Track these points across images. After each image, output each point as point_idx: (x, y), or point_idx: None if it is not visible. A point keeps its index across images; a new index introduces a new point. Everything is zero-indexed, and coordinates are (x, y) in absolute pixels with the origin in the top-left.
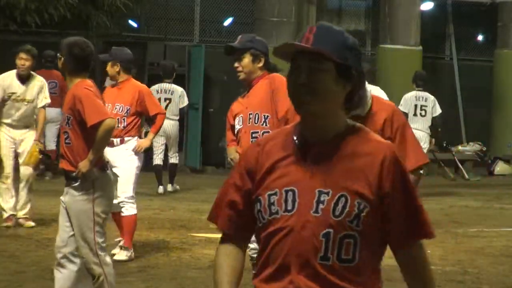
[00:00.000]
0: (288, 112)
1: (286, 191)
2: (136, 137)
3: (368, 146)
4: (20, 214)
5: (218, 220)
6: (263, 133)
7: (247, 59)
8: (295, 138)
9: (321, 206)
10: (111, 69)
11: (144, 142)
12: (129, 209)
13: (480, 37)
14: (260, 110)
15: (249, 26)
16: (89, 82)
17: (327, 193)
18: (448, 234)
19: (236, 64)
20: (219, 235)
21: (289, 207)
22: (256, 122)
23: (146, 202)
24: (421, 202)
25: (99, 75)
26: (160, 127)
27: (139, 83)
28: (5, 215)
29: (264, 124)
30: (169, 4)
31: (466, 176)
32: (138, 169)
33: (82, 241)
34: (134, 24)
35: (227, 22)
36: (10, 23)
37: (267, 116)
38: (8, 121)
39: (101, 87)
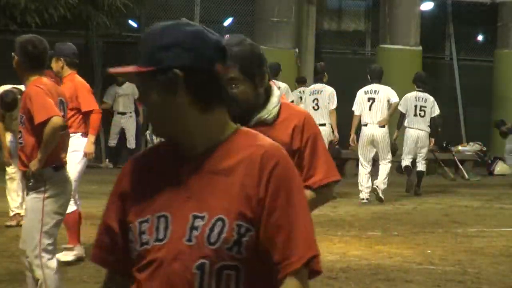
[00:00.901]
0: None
1: (158, 217)
2: (80, 134)
3: (248, 152)
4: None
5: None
6: None
7: None
8: (169, 154)
9: (195, 233)
10: (55, 64)
11: (87, 148)
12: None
13: (480, 37)
14: None
15: (249, 26)
16: (43, 80)
17: (202, 218)
18: (448, 234)
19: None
20: None
21: (160, 236)
22: None
23: None
24: (307, 226)
25: (99, 75)
26: (97, 126)
27: (80, 79)
28: (11, 213)
29: None
30: (169, 4)
31: (466, 176)
32: (81, 166)
33: (27, 240)
34: (134, 24)
35: (227, 22)
36: (10, 23)
37: None
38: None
39: (103, 87)
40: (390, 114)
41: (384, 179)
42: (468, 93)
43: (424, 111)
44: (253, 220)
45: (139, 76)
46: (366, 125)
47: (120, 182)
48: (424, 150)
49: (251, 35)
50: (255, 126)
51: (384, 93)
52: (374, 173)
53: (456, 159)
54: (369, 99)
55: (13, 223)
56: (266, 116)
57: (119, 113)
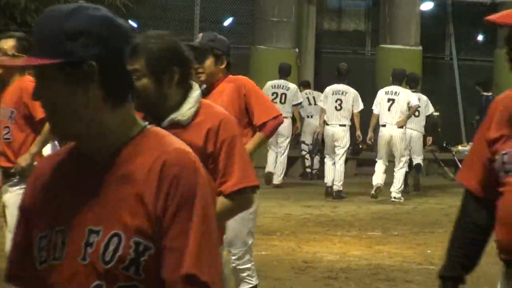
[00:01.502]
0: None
1: (57, 232)
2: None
3: (150, 156)
4: None
5: None
6: None
7: (209, 61)
8: (74, 158)
9: (89, 250)
10: None
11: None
12: None
13: (480, 37)
14: (231, 111)
15: (249, 26)
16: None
17: (97, 232)
18: (448, 234)
19: (196, 66)
20: None
21: (58, 254)
22: None
23: None
24: (200, 246)
25: None
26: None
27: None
28: None
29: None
30: (169, 4)
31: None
32: None
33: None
34: (134, 24)
35: (227, 22)
36: (10, 23)
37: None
38: None
39: None
40: (408, 116)
41: (399, 188)
42: (468, 93)
43: (419, 111)
44: (153, 237)
45: (38, 69)
46: (384, 125)
47: (26, 191)
48: (418, 149)
49: (251, 35)
50: (169, 128)
51: (404, 96)
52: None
53: (456, 159)
54: (388, 100)
55: None
56: (180, 118)
57: None
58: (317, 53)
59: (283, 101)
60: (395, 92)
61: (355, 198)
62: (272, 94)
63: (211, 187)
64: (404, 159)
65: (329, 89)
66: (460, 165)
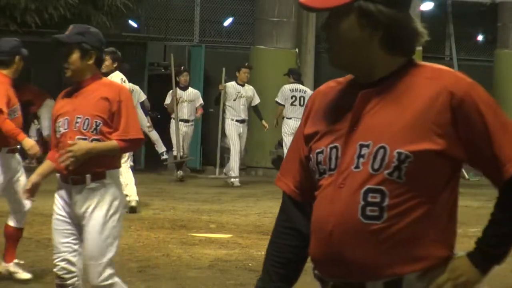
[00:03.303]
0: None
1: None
2: None
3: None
4: None
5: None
6: (92, 141)
7: (75, 55)
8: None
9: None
10: None
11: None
12: None
13: (480, 37)
14: (92, 116)
15: (249, 26)
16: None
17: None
18: None
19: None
20: (219, 235)
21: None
22: (85, 128)
23: (146, 202)
24: None
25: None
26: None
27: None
28: None
29: (95, 132)
30: (169, 4)
31: (466, 176)
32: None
33: None
34: (134, 24)
35: (227, 22)
36: (10, 23)
37: (99, 123)
38: None
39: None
40: None
41: None
42: None
43: None
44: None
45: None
46: None
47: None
48: None
49: (251, 35)
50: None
51: None
52: None
53: None
54: None
55: None
56: None
57: None
58: (317, 53)
59: (302, 104)
60: None
61: None
62: (291, 97)
63: None
64: None
65: None
66: None
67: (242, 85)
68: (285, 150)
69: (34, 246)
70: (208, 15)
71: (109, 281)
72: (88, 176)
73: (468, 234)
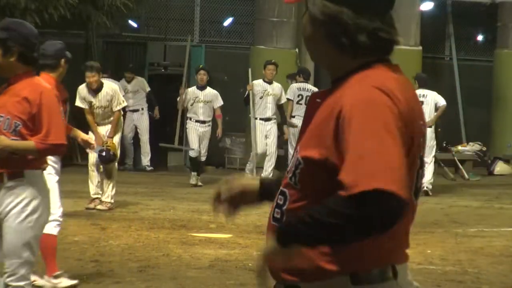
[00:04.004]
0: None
1: None
2: None
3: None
4: (103, 198)
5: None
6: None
7: None
8: None
9: None
10: None
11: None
12: None
13: (480, 37)
14: (13, 116)
15: (249, 26)
16: None
17: None
18: (448, 234)
19: None
20: (219, 235)
21: None
22: (5, 128)
23: (146, 202)
24: None
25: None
26: None
27: None
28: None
29: (14, 133)
30: (169, 4)
31: (466, 176)
32: None
33: None
34: (134, 24)
35: (227, 22)
36: None
37: (18, 124)
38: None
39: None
40: (438, 116)
41: (431, 179)
42: (468, 93)
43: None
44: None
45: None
46: None
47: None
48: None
49: (251, 35)
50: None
51: (432, 97)
52: None
53: (456, 159)
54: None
55: (92, 205)
56: None
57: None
58: None
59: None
60: (423, 95)
61: None
62: (298, 95)
63: None
64: (431, 157)
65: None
66: (460, 166)
67: (269, 83)
68: (289, 147)
69: None
70: (208, 15)
71: (21, 283)
72: (5, 174)
73: (468, 234)
